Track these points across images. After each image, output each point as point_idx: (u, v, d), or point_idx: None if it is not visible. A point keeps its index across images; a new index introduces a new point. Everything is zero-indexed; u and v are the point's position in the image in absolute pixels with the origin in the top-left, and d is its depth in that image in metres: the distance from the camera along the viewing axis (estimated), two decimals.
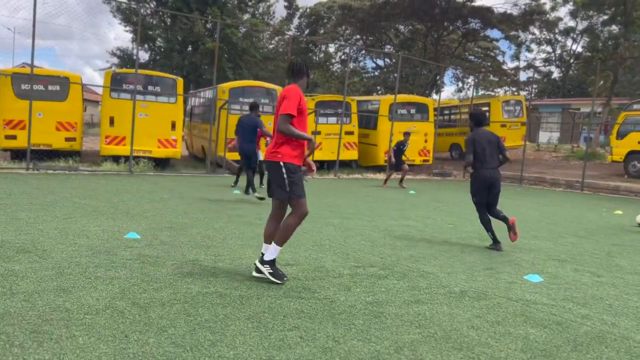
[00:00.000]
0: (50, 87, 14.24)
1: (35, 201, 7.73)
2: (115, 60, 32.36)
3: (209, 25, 29.48)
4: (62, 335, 2.95)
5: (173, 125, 14.71)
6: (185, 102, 19.44)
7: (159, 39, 32.11)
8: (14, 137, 13.79)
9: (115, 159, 14.41)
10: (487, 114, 23.05)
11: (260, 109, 15.90)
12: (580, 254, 6.46)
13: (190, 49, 30.87)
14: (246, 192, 9.79)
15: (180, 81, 15.28)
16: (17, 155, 14.42)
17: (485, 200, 6.51)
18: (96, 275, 4.16)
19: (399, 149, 14.60)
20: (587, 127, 27.94)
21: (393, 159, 14.78)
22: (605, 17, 30.89)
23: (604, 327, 3.74)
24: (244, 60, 30.53)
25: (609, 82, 29.02)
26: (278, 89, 17.00)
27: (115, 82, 14.45)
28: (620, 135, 18.68)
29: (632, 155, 18.07)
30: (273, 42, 39.41)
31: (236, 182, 11.95)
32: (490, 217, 6.56)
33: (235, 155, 14.94)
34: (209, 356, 2.83)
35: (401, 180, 14.84)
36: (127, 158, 14.03)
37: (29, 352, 2.71)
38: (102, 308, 3.43)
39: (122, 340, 2.94)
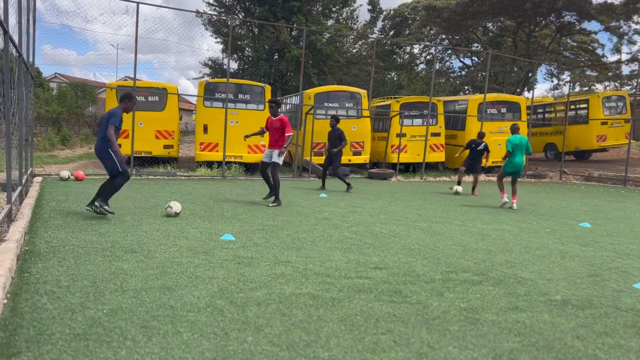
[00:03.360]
0: (150, 98, 15.25)
1: (139, 205, 8.29)
2: (207, 70, 33.97)
3: (294, 33, 30.17)
4: (168, 331, 3.14)
5: (262, 132, 15.18)
6: None
7: (247, 49, 33.32)
8: (119, 146, 14.91)
9: (209, 164, 15.13)
10: (586, 111, 21.64)
11: (345, 113, 16.04)
12: None
13: (276, 56, 31.74)
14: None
15: (268, 88, 15.76)
16: None
17: None
18: (196, 274, 4.39)
19: (472, 148, 12.72)
20: None
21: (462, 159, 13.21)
22: None
23: None
24: (327, 66, 30.89)
25: None
26: (362, 92, 17.03)
27: (208, 92, 15.18)
28: None
29: None
30: (357, 46, 39.54)
31: (323, 186, 12.13)
32: None
33: (321, 160, 15.16)
34: (305, 356, 2.88)
35: (473, 188, 12.94)
36: (220, 163, 14.68)
37: (140, 346, 2.91)
38: (203, 306, 3.60)
39: (222, 338, 3.08)
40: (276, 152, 8.92)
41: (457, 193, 12.47)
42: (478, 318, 3.65)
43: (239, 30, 32.93)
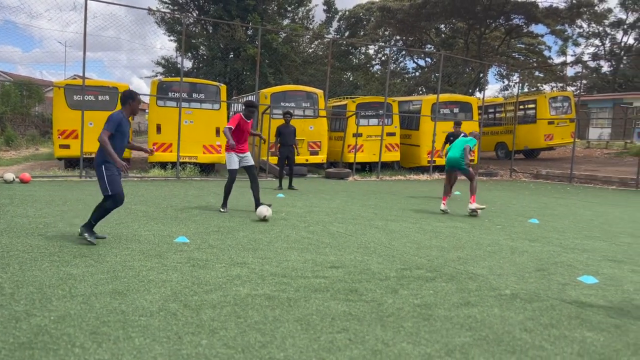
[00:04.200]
0: (100, 98, 14.80)
1: (90, 208, 8.04)
2: (161, 69, 33.31)
3: (249, 32, 29.94)
4: (119, 337, 3.05)
5: (217, 132, 14.99)
6: (228, 108, 19.80)
7: (201, 47, 32.84)
8: (67, 147, 14.40)
9: (163, 165, 14.81)
10: (534, 111, 22.44)
11: (302, 113, 16.05)
12: (638, 254, 6.19)
13: (232, 56, 31.43)
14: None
15: (223, 88, 15.59)
16: (71, 163, 15.03)
17: None
18: (149, 278, 4.29)
19: (451, 142, 11.67)
20: None
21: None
22: None
23: None
24: (284, 65, 30.84)
25: None
26: (319, 92, 17.08)
27: (161, 91, 14.86)
28: None
29: None
30: (313, 45, 39.64)
31: (280, 185, 12.10)
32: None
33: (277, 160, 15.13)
34: (260, 357, 2.87)
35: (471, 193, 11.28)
36: (173, 164, 14.41)
37: (89, 353, 2.82)
38: (156, 310, 3.53)
39: (176, 342, 3.02)
40: (249, 153, 8.59)
41: (474, 211, 9.08)
42: (431, 314, 3.73)
43: (193, 29, 32.42)
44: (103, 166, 5.51)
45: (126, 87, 15.46)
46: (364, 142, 17.30)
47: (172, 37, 33.24)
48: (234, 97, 24.82)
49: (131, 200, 8.98)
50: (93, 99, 14.60)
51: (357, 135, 16.94)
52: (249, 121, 8.42)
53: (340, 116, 18.27)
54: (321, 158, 16.70)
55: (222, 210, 8.22)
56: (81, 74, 13.39)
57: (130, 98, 5.71)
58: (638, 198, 13.42)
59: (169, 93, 14.88)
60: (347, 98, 20.20)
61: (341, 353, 2.98)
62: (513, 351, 3.13)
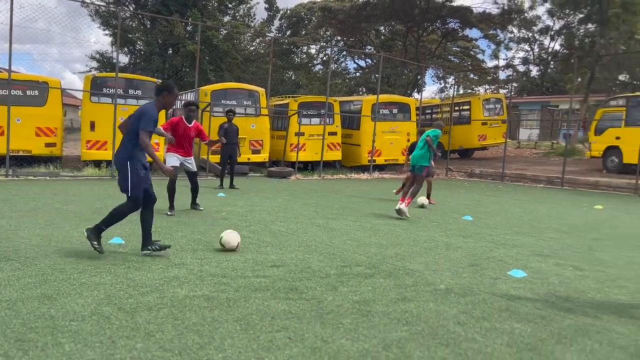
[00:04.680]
0: (28, 92, 14.02)
1: (17, 208, 7.61)
2: (95, 64, 32.01)
3: (189, 28, 29.32)
4: (47, 343, 2.91)
5: None
6: None
7: (139, 42, 31.83)
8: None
9: (97, 164, 14.24)
10: (468, 112, 23.29)
11: (244, 111, 15.87)
12: (562, 248, 6.57)
13: (170, 51, 30.65)
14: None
15: None
16: None
17: None
18: (81, 281, 4.12)
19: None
20: (566, 124, 28.37)
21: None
22: (582, 15, 31.40)
23: (587, 320, 3.81)
24: (225, 63, 30.41)
25: (586, 79, 29.50)
26: (260, 90, 16.97)
27: (96, 86, 14.28)
28: (598, 132, 19.01)
29: (610, 150, 18.40)
30: (254, 43, 39.33)
31: (221, 184, 11.92)
32: None
33: (218, 158, 14.90)
34: (198, 359, 2.82)
35: (428, 195, 10.99)
36: (109, 162, 13.88)
37: None
38: (88, 314, 3.39)
39: (109, 347, 2.92)
40: (192, 158, 8.27)
41: (422, 206, 9.97)
42: (370, 310, 3.80)
43: (130, 23, 31.36)
44: (129, 163, 4.88)
45: (57, 82, 14.76)
46: (306, 141, 17.36)
47: (107, 31, 32.00)
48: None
49: (62, 200, 8.58)
50: (20, 94, 13.82)
51: (299, 134, 16.98)
52: (190, 124, 8.02)
53: (282, 115, 18.24)
54: (263, 157, 16.62)
55: (168, 213, 7.73)
56: (7, 67, 12.64)
57: (165, 90, 5.02)
58: (563, 195, 14.22)
59: (104, 89, 14.31)
60: (289, 97, 20.20)
61: (280, 352, 2.99)
62: (447, 344, 3.24)
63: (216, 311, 3.60)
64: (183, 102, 18.98)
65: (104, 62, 31.51)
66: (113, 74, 14.37)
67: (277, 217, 8.04)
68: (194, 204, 8.45)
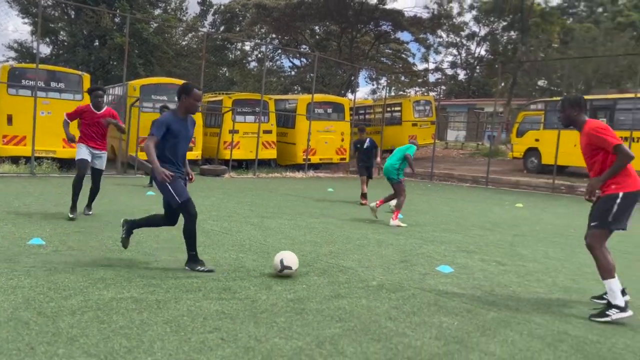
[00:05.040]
0: None
1: None
2: (13, 54, 30.09)
3: (117, 20, 28.16)
4: None
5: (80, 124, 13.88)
6: None
7: (62, 33, 30.21)
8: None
9: (15, 160, 13.36)
10: (399, 114, 23.91)
11: (175, 107, 15.42)
12: (486, 244, 6.89)
13: (97, 43, 29.32)
14: None
15: (86, 77, 14.47)
16: None
17: None
18: None
19: (358, 149, 11.27)
20: (490, 126, 29.80)
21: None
22: (505, 23, 33.09)
23: (509, 312, 4.02)
24: (155, 57, 29.48)
25: (509, 84, 31.14)
26: None
27: (14, 78, 13.38)
28: (520, 134, 20.11)
29: (530, 152, 19.50)
30: (186, 38, 38.38)
31: (151, 182, 11.52)
32: None
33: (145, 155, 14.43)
34: None
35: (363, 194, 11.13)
36: (28, 159, 13.06)
37: None
38: (5, 320, 3.18)
39: (27, 353, 2.75)
40: (105, 154, 7.32)
41: (373, 211, 8.82)
42: (304, 308, 3.81)
43: (52, 12, 29.69)
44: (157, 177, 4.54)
45: None
46: (240, 139, 17.15)
47: (26, 20, 30.13)
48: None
49: None
50: None
51: (233, 131, 16.75)
52: (99, 112, 7.08)
53: (215, 112, 17.92)
54: (196, 154, 16.25)
55: (70, 216, 6.79)
56: None
57: (184, 92, 4.66)
58: (487, 194, 14.93)
59: (23, 81, 13.45)
60: (223, 94, 19.87)
61: (213, 353, 2.93)
62: (379, 339, 3.30)
63: (145, 313, 3.48)
64: (110, 97, 18.23)
65: (23, 52, 29.69)
66: (33, 65, 13.54)
67: (210, 216, 7.89)
68: (87, 208, 7.31)
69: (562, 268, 5.67)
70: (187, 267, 4.69)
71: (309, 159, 18.56)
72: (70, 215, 6.82)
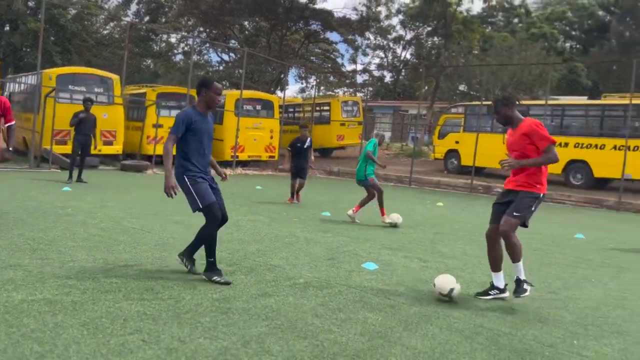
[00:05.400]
0: None
1: None
2: None
3: (31, 4, 26.37)
4: None
5: None
6: (2, 87, 17.18)
7: None
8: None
9: None
10: (328, 113, 24.16)
11: (95, 98, 14.76)
12: (409, 242, 7.12)
13: (7, 28, 27.31)
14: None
15: None
16: None
17: None
18: None
19: (298, 148, 10.81)
20: (414, 128, 30.83)
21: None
22: (429, 29, 34.35)
23: (430, 307, 4.18)
24: (74, 45, 27.92)
25: (432, 87, 32.38)
26: (114, 77, 15.87)
27: None
28: (441, 136, 20.98)
29: (450, 153, 20.40)
30: (108, 27, 36.65)
31: (70, 177, 10.88)
32: None
33: (64, 149, 13.67)
34: None
35: (296, 192, 10.81)
36: None
37: None
38: None
39: None
40: None
41: (394, 225, 8.40)
42: (229, 307, 3.75)
43: None
44: (185, 176, 4.37)
45: None
46: (164, 134, 16.57)
47: None
48: (9, 76, 21.62)
49: None
50: None
51: (157, 126, 16.19)
52: None
53: (138, 105, 17.25)
54: (116, 149, 15.56)
55: None
56: None
57: (204, 86, 4.44)
58: (411, 193, 15.44)
59: None
60: (146, 86, 19.16)
61: (133, 355, 2.82)
62: (305, 336, 3.32)
63: (60, 316, 3.28)
64: (22, 86, 17.06)
65: None
66: None
67: (131, 213, 7.59)
68: None
69: (479, 264, 5.97)
70: (204, 276, 4.41)
71: (237, 156, 18.32)
72: None
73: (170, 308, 3.62)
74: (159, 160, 16.59)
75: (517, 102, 4.57)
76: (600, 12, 41.08)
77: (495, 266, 4.58)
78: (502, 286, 4.56)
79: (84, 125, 10.74)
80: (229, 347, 3.05)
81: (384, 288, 4.64)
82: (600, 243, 8.26)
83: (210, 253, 4.41)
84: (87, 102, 10.98)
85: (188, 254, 4.60)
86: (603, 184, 16.46)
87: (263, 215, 8.50)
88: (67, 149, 14.05)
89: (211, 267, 4.41)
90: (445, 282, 4.39)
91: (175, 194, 4.33)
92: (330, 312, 3.84)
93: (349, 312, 3.89)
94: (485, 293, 4.58)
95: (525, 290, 4.35)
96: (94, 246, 5.27)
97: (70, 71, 15.76)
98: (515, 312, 4.24)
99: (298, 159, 10.80)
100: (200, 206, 4.37)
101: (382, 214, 8.70)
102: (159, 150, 16.38)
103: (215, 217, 4.40)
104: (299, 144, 10.79)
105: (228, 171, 17.36)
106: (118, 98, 15.73)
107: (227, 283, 4.33)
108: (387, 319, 3.81)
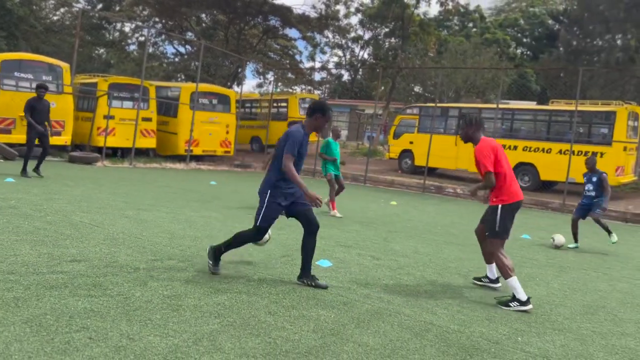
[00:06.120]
0: None
1: None
2: None
3: None
4: None
5: None
6: None
7: None
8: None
9: None
10: (286, 109, 24.10)
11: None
12: (363, 240, 7.20)
13: None
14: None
15: None
16: None
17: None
18: None
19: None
20: (370, 127, 31.18)
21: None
22: (387, 30, 34.79)
23: (382, 305, 4.24)
24: (20, 30, 26.71)
25: (389, 88, 32.82)
26: (64, 65, 15.27)
27: None
28: (396, 136, 21.29)
29: (404, 153, 20.73)
30: (58, 13, 35.23)
31: (25, 169, 10.30)
32: None
33: (9, 138, 13.10)
34: None
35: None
36: None
37: None
38: None
39: None
40: None
41: (558, 247, 8.22)
42: (181, 304, 3.69)
43: None
44: (269, 192, 4.53)
45: None
46: (116, 126, 16.13)
47: None
48: None
49: None
50: None
51: (108, 117, 15.70)
52: None
53: (89, 95, 16.67)
54: (65, 139, 14.99)
55: None
56: None
57: (319, 111, 4.55)
58: (365, 192, 15.60)
59: None
60: (98, 76, 18.55)
61: (79, 353, 2.73)
62: (258, 334, 3.31)
63: (0, 312, 3.14)
64: None
65: None
66: None
67: (80, 207, 7.34)
68: None
69: (430, 263, 6.11)
70: (208, 250, 4.71)
71: (191, 150, 18.01)
72: None
73: (119, 305, 3.53)
74: (109, 152, 16.13)
75: (480, 125, 4.93)
76: (550, 21, 42.75)
77: (487, 260, 5.21)
78: (493, 277, 5.20)
79: (38, 114, 10.21)
80: (180, 344, 3.00)
81: (337, 285, 4.67)
82: (545, 243, 8.60)
83: (229, 246, 4.64)
84: (41, 89, 10.43)
85: (305, 273, 4.63)
86: (549, 186, 17.15)
87: (217, 212, 8.40)
88: (13, 138, 13.45)
89: (218, 254, 4.63)
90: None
91: (322, 202, 4.58)
92: (284, 309, 3.84)
93: (302, 309, 3.90)
94: (479, 279, 5.30)
95: (510, 307, 4.52)
96: (39, 240, 5.07)
97: (16, 57, 15.06)
98: (464, 309, 4.36)
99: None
100: (257, 223, 4.59)
101: (333, 205, 9.53)
102: (110, 142, 15.94)
103: (257, 237, 4.76)
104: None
105: (181, 165, 17.14)
106: (67, 87, 15.16)
107: (213, 273, 4.57)
108: (340, 316, 3.85)
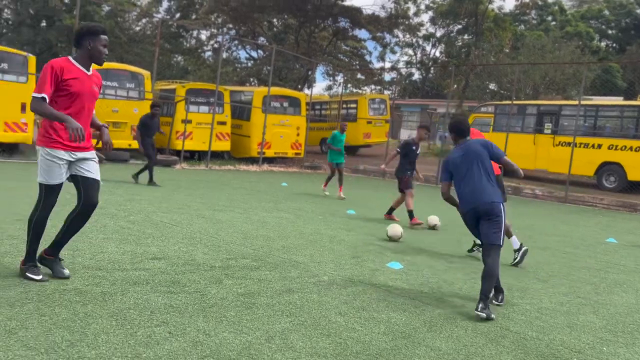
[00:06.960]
0: None
1: None
2: None
3: (67, 1, 27.02)
4: None
5: (23, 107, 13.26)
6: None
7: (6, 11, 28.74)
8: None
9: None
10: (355, 110, 24.09)
11: (126, 94, 15.02)
12: (435, 242, 7.05)
13: (44, 24, 28.06)
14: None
15: (32, 59, 13.80)
16: None
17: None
18: None
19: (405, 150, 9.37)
20: (442, 127, 30.50)
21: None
22: (460, 26, 33.87)
23: (455, 309, 4.13)
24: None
25: (462, 86, 31.95)
26: (145, 73, 16.14)
27: None
28: None
29: None
30: (140, 24, 37.27)
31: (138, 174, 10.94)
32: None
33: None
34: (67, 357, 2.63)
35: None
36: None
37: None
38: None
39: None
40: None
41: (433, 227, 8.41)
42: (254, 302, 3.79)
43: None
44: (503, 206, 4.47)
45: None
46: (193, 130, 16.83)
47: None
48: None
49: None
50: None
51: (186, 121, 16.42)
52: None
53: (168, 101, 17.51)
54: None
55: None
56: None
57: (425, 128, 5.91)
58: (436, 193, 15.26)
59: None
60: (176, 82, 19.44)
61: (160, 347, 2.87)
62: (328, 334, 3.33)
63: (89, 306, 3.37)
64: None
65: None
66: None
67: (160, 207, 7.72)
68: None
69: (505, 269, 5.88)
70: (480, 305, 3.96)
71: (264, 153, 18.44)
72: None
73: (196, 301, 3.67)
74: (186, 155, 16.84)
75: (463, 130, 4.87)
76: (639, 10, 39.90)
77: (507, 234, 5.72)
78: (516, 247, 6.01)
79: (150, 130, 10.79)
80: (253, 341, 3.08)
81: (408, 288, 4.61)
82: (634, 248, 8.03)
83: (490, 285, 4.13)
84: (156, 108, 10.98)
85: (493, 295, 4.35)
86: (638, 187, 16.00)
87: (288, 212, 8.54)
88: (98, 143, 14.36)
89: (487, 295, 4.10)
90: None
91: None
92: (354, 311, 3.84)
93: (373, 311, 3.88)
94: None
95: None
96: (123, 238, 5.38)
97: (104, 67, 16.09)
98: (543, 316, 4.16)
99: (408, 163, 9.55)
100: (501, 244, 4.35)
101: (324, 185, 11.97)
102: (188, 145, 16.65)
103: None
104: (413, 147, 9.27)
105: (254, 167, 17.57)
106: (149, 94, 16.00)
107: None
108: (411, 319, 3.79)
